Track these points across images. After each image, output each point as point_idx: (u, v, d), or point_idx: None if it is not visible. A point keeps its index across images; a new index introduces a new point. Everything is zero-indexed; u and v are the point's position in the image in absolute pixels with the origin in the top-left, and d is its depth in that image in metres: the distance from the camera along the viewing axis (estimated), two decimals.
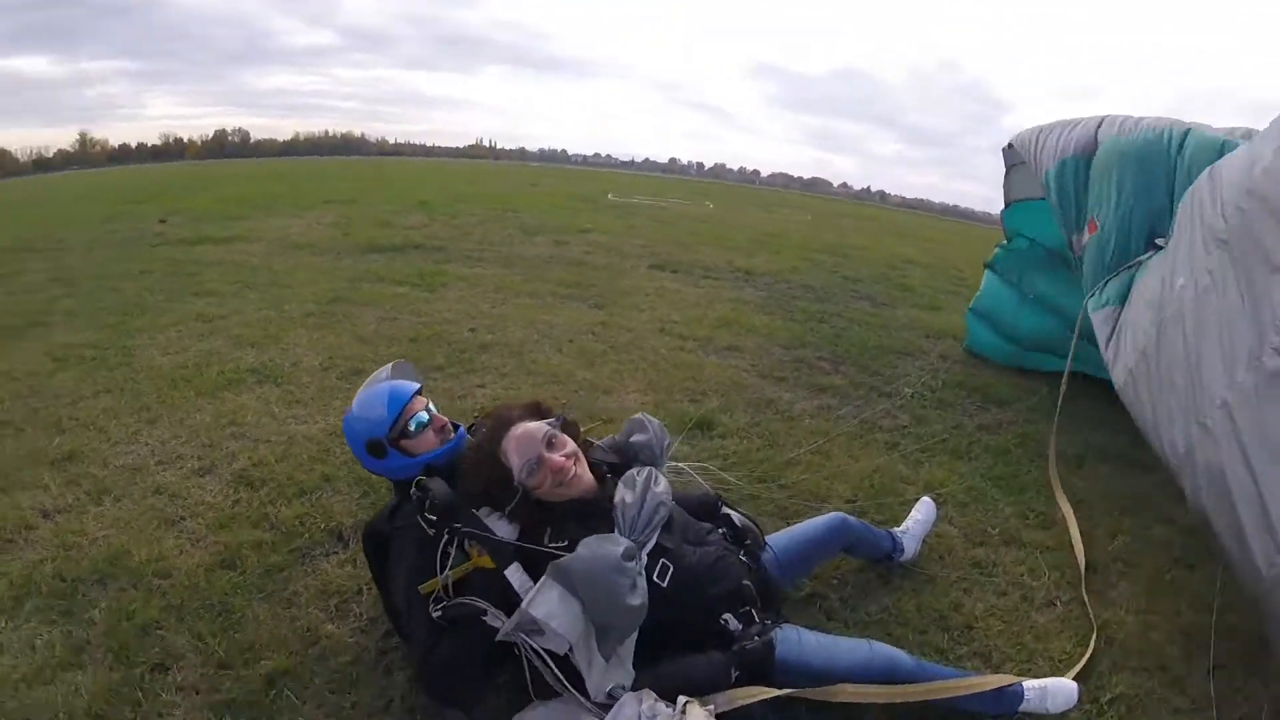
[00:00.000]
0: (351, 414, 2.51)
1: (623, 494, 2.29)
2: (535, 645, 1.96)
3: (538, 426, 2.34)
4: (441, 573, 2.10)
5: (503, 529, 2.21)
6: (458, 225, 12.91)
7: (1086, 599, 3.01)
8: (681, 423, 4.36)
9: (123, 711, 2.21)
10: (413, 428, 2.45)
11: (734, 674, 2.08)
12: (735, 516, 2.68)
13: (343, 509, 3.32)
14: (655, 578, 2.16)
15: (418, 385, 2.57)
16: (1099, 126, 4.22)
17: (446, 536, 2.13)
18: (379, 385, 2.54)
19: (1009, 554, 3.37)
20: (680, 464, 3.10)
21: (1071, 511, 3.66)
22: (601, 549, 2.02)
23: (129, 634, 2.52)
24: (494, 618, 2.04)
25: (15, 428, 4.15)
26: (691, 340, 6.33)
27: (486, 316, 6.66)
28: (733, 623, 2.20)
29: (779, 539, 2.75)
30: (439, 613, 2.06)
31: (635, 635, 2.06)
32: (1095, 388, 4.89)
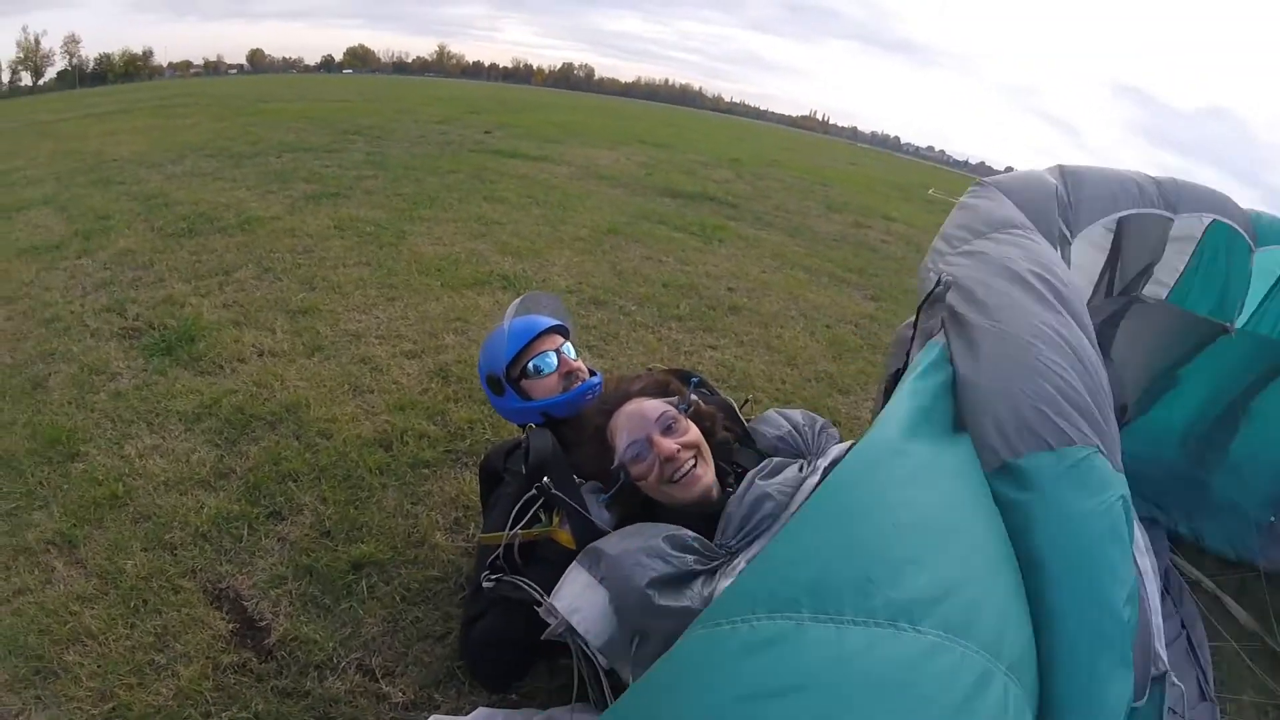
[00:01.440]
0: (485, 340, 2.33)
1: (742, 490, 1.81)
2: (590, 649, 1.58)
3: (655, 405, 1.90)
4: (512, 528, 1.80)
5: (599, 513, 1.86)
6: (760, 187, 12.62)
7: None
8: None
9: (224, 541, 2.37)
10: (533, 369, 2.22)
11: None
12: None
13: (512, 427, 3.16)
14: None
15: (553, 323, 2.31)
16: None
17: (536, 493, 1.81)
18: (510, 313, 2.31)
19: None
20: None
21: None
22: (645, 529, 1.68)
23: (268, 477, 2.66)
24: (549, 611, 1.65)
25: (275, 276, 4.51)
26: None
27: (750, 280, 6.35)
28: None
29: None
30: (491, 584, 1.76)
31: None
32: None
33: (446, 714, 1.78)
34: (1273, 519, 3.27)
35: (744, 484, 1.79)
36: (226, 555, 2.31)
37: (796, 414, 2.16)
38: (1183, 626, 2.77)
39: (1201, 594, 3.05)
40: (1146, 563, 2.67)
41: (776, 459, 1.90)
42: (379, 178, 7.71)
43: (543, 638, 1.63)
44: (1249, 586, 3.15)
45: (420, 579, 2.31)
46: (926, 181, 28.13)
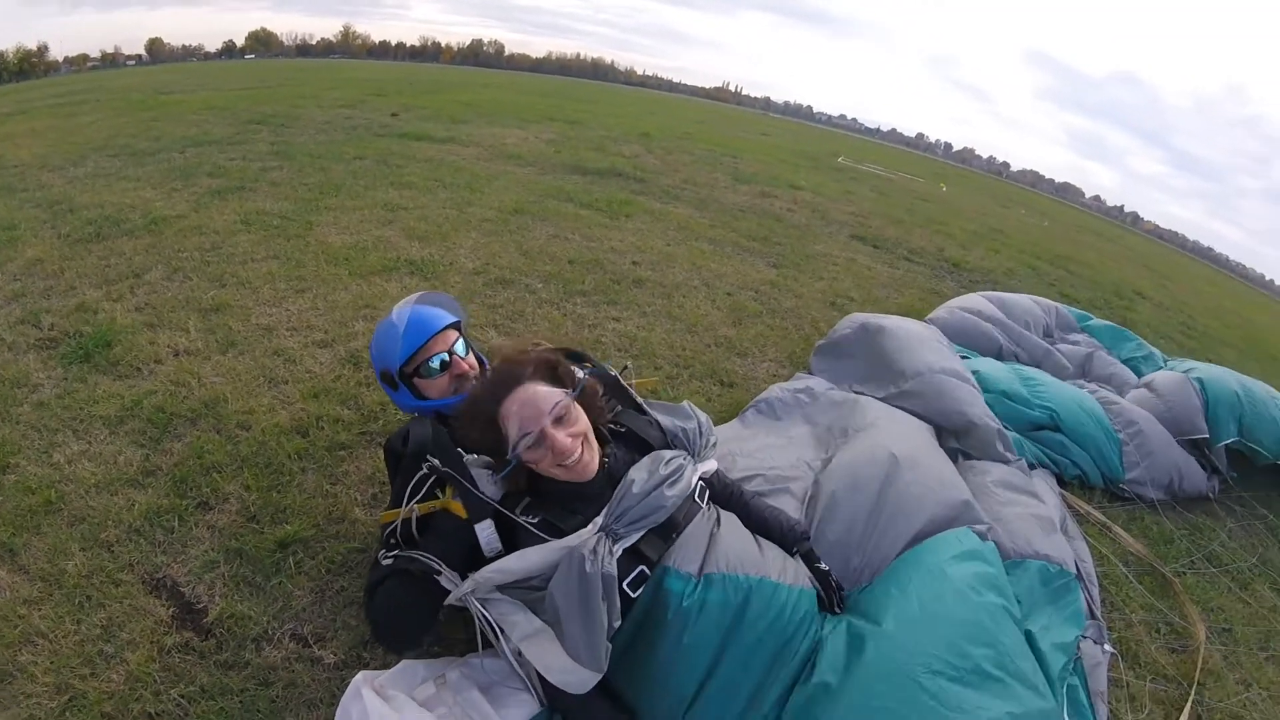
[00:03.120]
0: (376, 331, 2.43)
1: (636, 475, 1.99)
2: (489, 615, 1.80)
3: (549, 395, 2.00)
4: (407, 504, 1.97)
5: (487, 486, 2.01)
6: (670, 161, 12.84)
7: None
8: None
9: (156, 534, 2.55)
10: (425, 369, 2.35)
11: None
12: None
13: None
14: (626, 584, 1.88)
15: (449, 320, 2.40)
16: None
17: (426, 471, 1.98)
18: (403, 310, 2.39)
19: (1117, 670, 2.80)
20: None
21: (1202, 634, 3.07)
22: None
23: (193, 470, 2.85)
24: (448, 580, 1.88)
25: (185, 275, 4.60)
26: None
27: (655, 253, 6.60)
28: None
29: None
30: (389, 560, 1.94)
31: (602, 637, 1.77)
32: None
33: (375, 669, 1.95)
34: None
35: (644, 475, 1.99)
36: (160, 547, 2.48)
37: (703, 416, 2.37)
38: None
39: (1090, 526, 3.57)
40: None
41: (678, 461, 2.10)
42: (284, 168, 7.74)
43: (447, 601, 1.84)
44: (1139, 515, 3.78)
45: (343, 551, 2.52)
46: (838, 150, 28.70)
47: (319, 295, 4.46)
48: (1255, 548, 3.91)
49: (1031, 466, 3.79)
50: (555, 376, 2.10)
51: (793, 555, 2.16)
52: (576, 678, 1.74)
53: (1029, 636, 2.31)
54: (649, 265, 6.11)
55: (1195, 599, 3.28)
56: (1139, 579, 3.31)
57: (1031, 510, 3.11)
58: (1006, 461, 3.58)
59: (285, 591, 2.36)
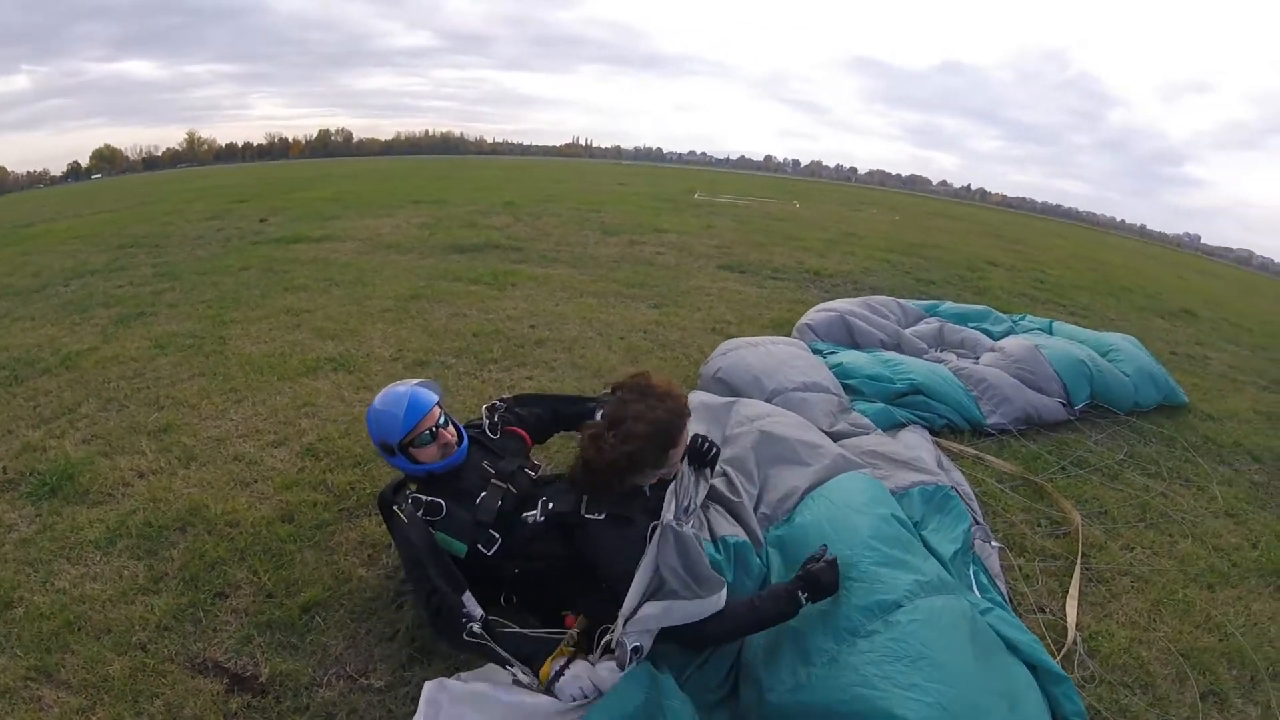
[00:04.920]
0: (374, 410, 2.86)
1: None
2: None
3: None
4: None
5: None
6: (539, 226, 13.38)
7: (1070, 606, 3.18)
8: None
9: (185, 627, 2.83)
10: (420, 439, 2.81)
11: (803, 597, 2.46)
12: None
13: (390, 477, 3.76)
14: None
15: (435, 399, 2.88)
16: None
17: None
18: (399, 392, 2.87)
19: (1009, 559, 3.56)
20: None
21: (1078, 517, 3.89)
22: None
23: (199, 569, 3.12)
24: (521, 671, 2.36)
25: (120, 404, 4.80)
26: None
27: (548, 314, 7.10)
28: None
29: None
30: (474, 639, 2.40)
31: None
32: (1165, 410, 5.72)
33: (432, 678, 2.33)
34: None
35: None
36: (193, 637, 2.77)
37: None
38: None
39: (965, 460, 4.49)
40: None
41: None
42: (176, 289, 7.88)
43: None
44: (1008, 444, 4.82)
45: (361, 602, 2.93)
46: (693, 186, 29.72)
47: (257, 402, 4.75)
48: (1122, 446, 5.02)
49: (904, 424, 4.66)
50: None
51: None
52: (713, 601, 2.34)
53: (923, 539, 3.12)
54: (545, 326, 6.62)
55: (1068, 495, 4.17)
56: (1015, 490, 4.16)
57: (900, 458, 3.92)
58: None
59: (321, 645, 2.72)
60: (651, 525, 2.48)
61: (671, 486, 2.72)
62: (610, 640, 2.33)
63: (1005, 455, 4.62)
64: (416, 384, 2.94)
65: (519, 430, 3.25)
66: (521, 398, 3.45)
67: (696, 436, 3.00)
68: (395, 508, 2.72)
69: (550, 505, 2.72)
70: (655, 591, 2.31)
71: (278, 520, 3.46)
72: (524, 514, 2.76)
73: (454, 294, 7.76)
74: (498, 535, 2.70)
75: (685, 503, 2.71)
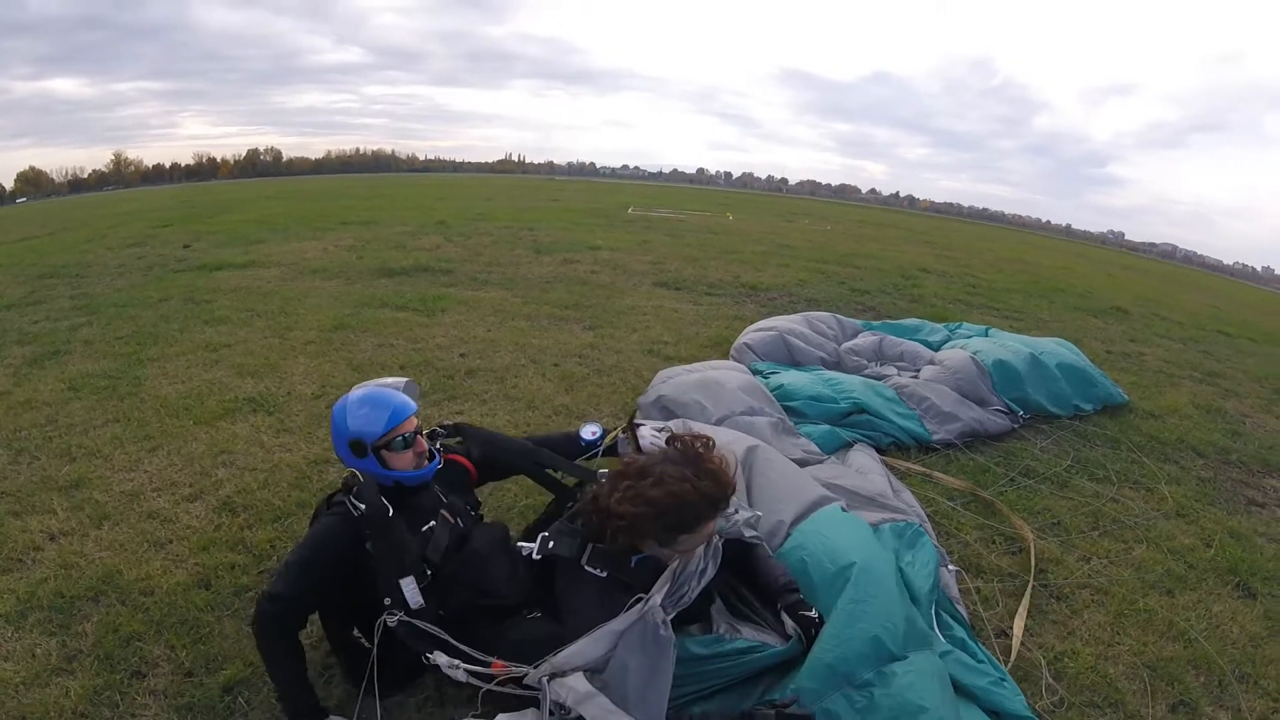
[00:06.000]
0: (348, 405, 2.71)
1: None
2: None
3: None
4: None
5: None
6: (470, 246, 13.31)
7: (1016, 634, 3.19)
8: None
9: (103, 712, 2.63)
10: (398, 443, 2.68)
11: None
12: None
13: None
14: None
15: (415, 407, 2.78)
16: None
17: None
18: (386, 392, 2.75)
19: (965, 582, 3.57)
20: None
21: (1030, 536, 3.94)
22: None
23: (114, 645, 2.92)
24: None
25: (31, 455, 4.55)
26: (677, 362, 6.41)
27: (479, 341, 7.02)
28: None
29: None
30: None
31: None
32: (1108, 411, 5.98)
33: None
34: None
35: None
36: None
37: None
38: None
39: (913, 479, 4.54)
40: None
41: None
42: (93, 324, 7.57)
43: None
44: (955, 458, 4.91)
45: None
46: (627, 201, 29.84)
47: (172, 451, 4.56)
48: (1068, 453, 5.20)
49: (851, 444, 4.72)
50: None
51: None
52: None
53: (901, 571, 3.12)
54: (476, 354, 6.51)
55: (1020, 508, 4.28)
56: (966, 507, 4.22)
57: (864, 493, 3.89)
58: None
59: None
60: (635, 598, 2.35)
61: (671, 567, 2.46)
62: (525, 677, 2.26)
63: (953, 470, 4.71)
64: (405, 383, 2.85)
65: (464, 461, 3.10)
66: (462, 428, 3.24)
67: (744, 528, 2.80)
68: (349, 499, 2.52)
69: (551, 545, 2.54)
70: (596, 672, 2.21)
71: (194, 586, 3.29)
72: (520, 544, 2.66)
73: (381, 323, 7.62)
74: (429, 573, 2.56)
75: (681, 592, 2.42)
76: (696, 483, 2.38)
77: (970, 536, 3.95)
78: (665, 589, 2.35)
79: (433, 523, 2.70)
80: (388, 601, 2.45)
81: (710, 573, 2.52)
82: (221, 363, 6.23)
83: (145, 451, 4.57)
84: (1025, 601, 3.36)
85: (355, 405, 2.70)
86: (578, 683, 2.16)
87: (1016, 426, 5.46)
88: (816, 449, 4.56)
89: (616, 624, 2.24)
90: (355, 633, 2.62)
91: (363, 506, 2.48)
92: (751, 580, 2.89)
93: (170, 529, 3.75)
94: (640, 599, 2.32)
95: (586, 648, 2.21)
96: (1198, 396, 7.19)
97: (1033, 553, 3.75)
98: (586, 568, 2.45)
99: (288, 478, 4.22)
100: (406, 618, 2.42)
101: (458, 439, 3.16)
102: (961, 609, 3.23)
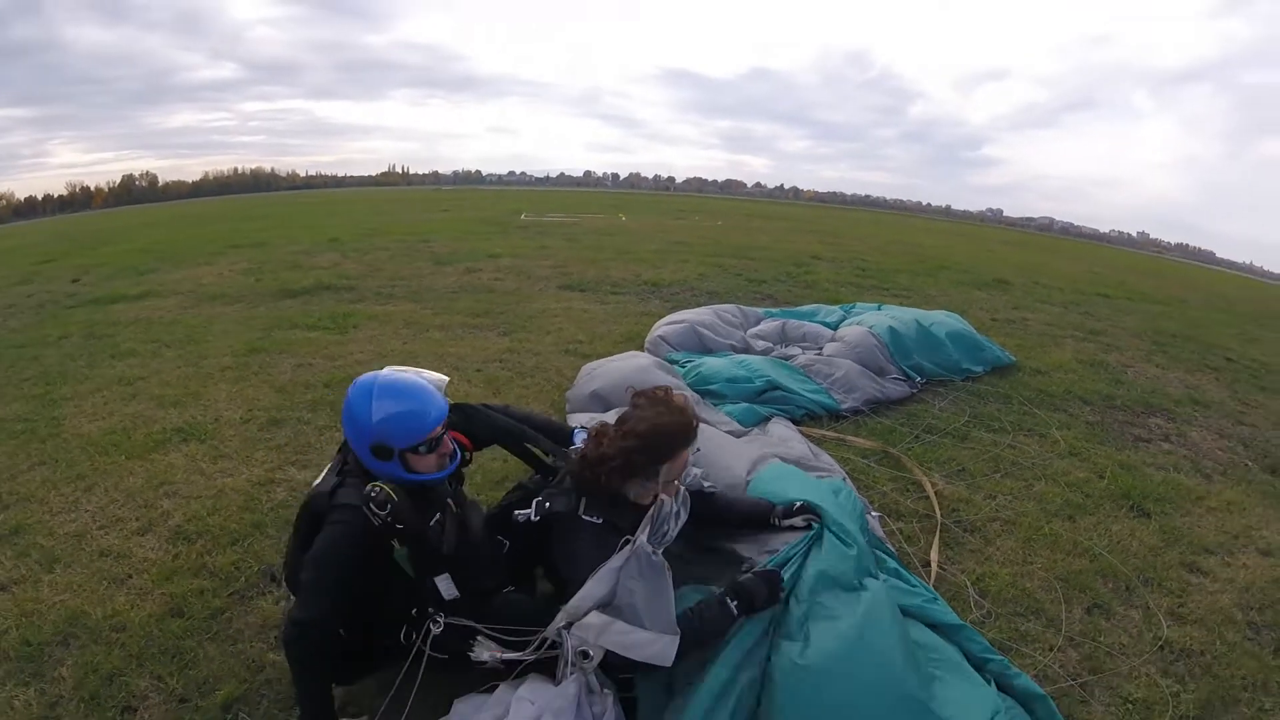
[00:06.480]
0: (374, 403, 2.54)
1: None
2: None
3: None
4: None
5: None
6: (369, 261, 13.24)
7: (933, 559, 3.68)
8: None
9: None
10: (424, 448, 2.58)
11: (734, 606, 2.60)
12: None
13: (273, 551, 3.73)
14: None
15: (447, 409, 2.69)
16: None
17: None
18: (417, 392, 2.61)
19: (890, 525, 4.02)
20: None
21: (930, 484, 4.44)
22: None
23: (96, 685, 2.88)
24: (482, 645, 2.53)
25: None
26: (595, 359, 6.49)
27: (397, 354, 7.04)
28: None
29: None
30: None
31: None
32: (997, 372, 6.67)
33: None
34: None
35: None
36: None
37: None
38: None
39: (830, 444, 5.00)
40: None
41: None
42: None
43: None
44: (864, 422, 5.45)
45: (282, 688, 2.82)
46: (517, 208, 29.89)
47: (109, 487, 4.47)
48: (965, 410, 5.86)
49: (769, 418, 5.13)
50: None
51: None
52: (660, 647, 2.36)
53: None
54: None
55: (927, 460, 4.86)
56: (879, 464, 4.76)
57: (789, 457, 4.26)
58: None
59: None
60: (624, 539, 2.58)
61: (651, 511, 2.70)
62: (546, 638, 2.45)
63: (863, 433, 5.22)
64: (443, 381, 2.80)
65: (463, 439, 2.99)
66: (464, 407, 3.20)
67: (701, 481, 3.21)
68: (366, 506, 2.38)
69: (547, 505, 2.73)
70: (606, 606, 2.43)
71: (167, 616, 3.27)
72: (516, 512, 2.77)
73: (295, 343, 7.57)
74: (444, 569, 2.58)
75: (662, 531, 2.73)
76: (670, 414, 2.76)
77: (887, 487, 4.46)
78: (648, 529, 2.63)
79: (439, 514, 2.67)
80: (414, 612, 2.57)
81: (684, 516, 2.90)
82: (139, 395, 6.10)
83: (81, 491, 4.46)
84: (937, 535, 3.88)
85: (384, 404, 2.53)
86: (593, 619, 2.38)
87: (915, 391, 6.10)
88: (738, 425, 4.94)
89: (614, 562, 2.50)
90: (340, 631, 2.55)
91: (383, 514, 2.37)
92: (726, 519, 3.29)
93: (126, 564, 3.69)
94: (629, 540, 2.57)
95: (593, 588, 2.44)
96: (1081, 353, 7.89)
97: (932, 493, 4.32)
98: (584, 516, 2.69)
99: (236, 501, 4.22)
100: (446, 619, 2.53)
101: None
102: (890, 545, 3.66)
